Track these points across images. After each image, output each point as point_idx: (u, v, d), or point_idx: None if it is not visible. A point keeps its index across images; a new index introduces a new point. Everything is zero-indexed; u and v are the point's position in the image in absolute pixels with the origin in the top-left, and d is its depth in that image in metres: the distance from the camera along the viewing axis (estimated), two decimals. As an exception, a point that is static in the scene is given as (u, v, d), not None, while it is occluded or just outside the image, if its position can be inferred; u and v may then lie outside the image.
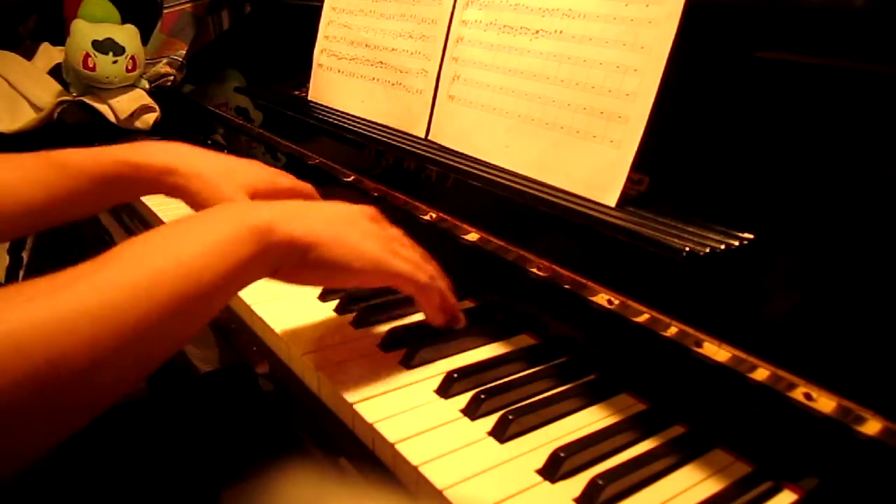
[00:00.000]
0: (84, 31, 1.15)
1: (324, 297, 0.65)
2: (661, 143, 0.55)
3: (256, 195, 0.69)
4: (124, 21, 1.21)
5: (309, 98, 0.92)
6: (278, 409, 0.57)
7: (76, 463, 0.58)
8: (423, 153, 0.70)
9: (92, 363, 0.37)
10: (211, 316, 0.45)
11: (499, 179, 0.62)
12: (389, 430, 0.47)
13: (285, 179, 0.75)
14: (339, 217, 0.54)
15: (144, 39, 1.24)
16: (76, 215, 0.71)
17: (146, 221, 0.91)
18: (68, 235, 1.43)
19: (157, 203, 0.89)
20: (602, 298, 0.53)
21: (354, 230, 0.53)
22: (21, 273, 1.33)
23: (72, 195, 0.65)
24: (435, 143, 0.73)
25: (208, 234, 0.45)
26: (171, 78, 1.25)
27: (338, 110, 0.86)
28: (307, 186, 0.78)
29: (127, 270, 0.41)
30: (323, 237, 0.50)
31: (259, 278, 0.49)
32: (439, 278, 0.57)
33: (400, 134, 0.76)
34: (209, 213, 0.50)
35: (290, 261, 0.50)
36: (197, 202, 0.68)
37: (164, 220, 0.88)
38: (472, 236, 0.64)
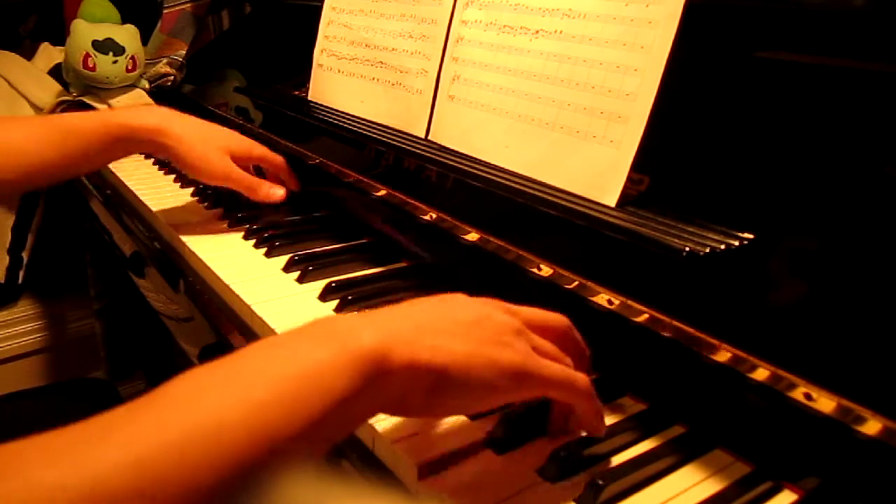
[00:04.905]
0: (84, 31, 1.15)
1: (324, 296, 0.65)
2: (660, 143, 0.55)
3: (234, 157, 0.81)
4: (124, 21, 1.22)
5: (309, 98, 0.92)
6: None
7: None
8: (423, 153, 0.70)
9: None
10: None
11: (499, 179, 0.62)
12: (389, 430, 0.47)
13: (260, 149, 0.86)
14: (464, 321, 0.41)
15: (144, 39, 1.24)
16: (83, 171, 0.93)
17: (147, 222, 0.91)
18: (68, 235, 1.44)
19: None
20: (602, 298, 0.53)
21: (489, 338, 0.41)
22: (21, 273, 1.33)
23: (80, 155, 0.77)
24: (435, 143, 0.73)
25: (292, 365, 0.35)
26: (171, 78, 1.25)
27: (338, 110, 0.86)
28: (279, 158, 0.87)
29: (177, 427, 0.31)
30: (456, 355, 0.39)
31: (369, 418, 0.40)
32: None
33: (400, 134, 0.77)
34: (286, 336, 0.38)
35: (414, 394, 0.39)
36: (179, 159, 0.79)
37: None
38: (472, 236, 0.64)
